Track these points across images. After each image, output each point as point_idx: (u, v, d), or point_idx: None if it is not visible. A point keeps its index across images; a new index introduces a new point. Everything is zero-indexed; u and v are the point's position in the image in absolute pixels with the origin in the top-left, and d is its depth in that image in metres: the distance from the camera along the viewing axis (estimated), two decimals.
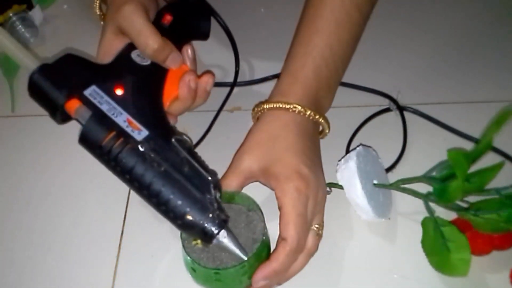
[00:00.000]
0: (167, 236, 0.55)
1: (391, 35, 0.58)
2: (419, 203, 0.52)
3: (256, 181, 0.52)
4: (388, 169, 0.58)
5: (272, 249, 0.49)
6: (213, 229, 0.45)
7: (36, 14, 0.77)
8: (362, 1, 0.55)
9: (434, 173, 0.52)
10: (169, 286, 0.53)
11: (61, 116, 0.49)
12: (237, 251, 0.46)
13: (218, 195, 0.47)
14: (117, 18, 0.52)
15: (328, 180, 0.54)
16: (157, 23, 0.55)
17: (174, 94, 0.54)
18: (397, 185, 0.54)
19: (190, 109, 0.56)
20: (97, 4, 0.61)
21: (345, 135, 0.60)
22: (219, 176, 0.50)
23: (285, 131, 0.51)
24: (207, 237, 0.45)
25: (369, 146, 0.58)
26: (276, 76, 0.66)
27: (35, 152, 0.63)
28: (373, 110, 0.63)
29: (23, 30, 0.74)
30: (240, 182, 0.51)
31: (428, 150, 0.58)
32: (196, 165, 0.47)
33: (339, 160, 0.55)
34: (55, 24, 0.77)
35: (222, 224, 0.46)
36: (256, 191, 0.52)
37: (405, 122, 0.61)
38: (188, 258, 0.47)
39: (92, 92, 0.49)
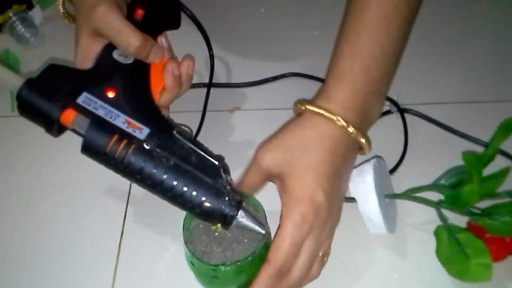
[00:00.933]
0: (167, 236, 0.55)
1: None
2: (427, 213, 0.52)
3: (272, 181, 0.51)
4: (390, 172, 0.57)
5: None
6: (231, 211, 0.46)
7: (36, 14, 0.77)
8: None
9: (442, 181, 0.51)
10: (169, 286, 0.53)
11: (57, 128, 0.48)
12: (256, 227, 0.47)
13: (229, 178, 0.48)
14: (92, 20, 0.51)
15: None
16: (130, 19, 0.54)
17: (161, 86, 0.53)
18: (408, 195, 0.52)
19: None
20: (60, 1, 0.59)
21: None
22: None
23: (318, 146, 0.47)
24: (227, 219, 0.46)
25: (380, 156, 0.56)
26: (253, 83, 0.66)
27: (35, 152, 0.63)
28: None
29: (23, 30, 0.74)
30: (262, 179, 0.50)
31: (430, 152, 0.58)
32: (202, 153, 0.48)
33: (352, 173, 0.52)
34: (55, 24, 0.77)
35: (239, 205, 0.47)
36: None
37: (406, 124, 0.61)
38: (188, 252, 0.47)
39: (85, 99, 0.48)
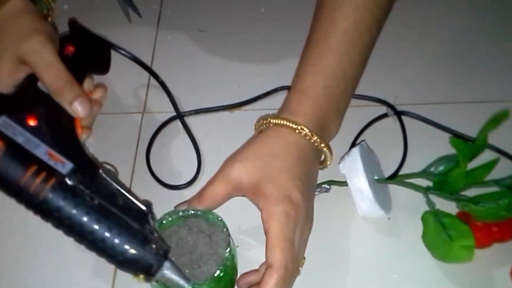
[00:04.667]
0: None
1: (385, 37, 0.57)
2: (417, 200, 0.53)
3: (242, 195, 0.50)
4: (390, 177, 0.57)
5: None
6: (157, 261, 0.42)
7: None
8: (372, 24, 0.54)
9: (432, 169, 0.53)
10: None
11: None
12: (181, 281, 0.43)
13: (156, 225, 0.45)
14: (22, 48, 0.49)
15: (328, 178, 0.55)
16: (60, 54, 0.51)
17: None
18: (398, 180, 0.54)
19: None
20: None
21: (343, 144, 0.59)
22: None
23: (286, 151, 0.49)
24: (152, 270, 0.43)
25: (371, 150, 0.58)
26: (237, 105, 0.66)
27: None
28: (370, 117, 0.62)
29: None
30: (227, 192, 0.49)
31: (430, 154, 0.57)
32: (129, 196, 0.44)
33: (342, 157, 0.55)
34: (55, 24, 0.77)
35: (166, 254, 0.43)
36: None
37: (404, 128, 0.60)
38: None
39: (3, 123, 0.44)
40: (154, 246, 0.43)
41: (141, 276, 0.43)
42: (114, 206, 0.43)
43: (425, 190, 0.52)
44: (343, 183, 0.54)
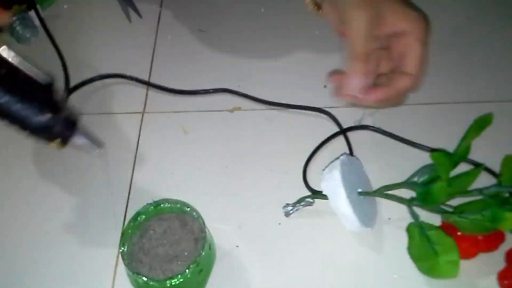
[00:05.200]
0: None
1: None
2: (403, 210, 0.52)
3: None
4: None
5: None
6: (69, 125, 0.46)
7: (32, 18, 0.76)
8: None
9: (415, 179, 0.51)
10: None
11: None
12: (93, 144, 0.48)
13: (60, 95, 0.47)
14: None
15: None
16: None
17: None
18: (381, 192, 0.53)
19: None
20: None
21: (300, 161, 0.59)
22: None
23: None
24: (65, 134, 0.46)
25: (352, 155, 0.58)
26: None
27: (35, 152, 0.63)
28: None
29: (23, 30, 0.74)
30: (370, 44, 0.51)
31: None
32: (27, 72, 0.45)
33: (323, 169, 0.54)
34: (55, 24, 0.77)
35: (75, 121, 0.47)
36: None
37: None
38: (133, 274, 0.47)
39: None
40: (64, 113, 0.46)
41: (56, 141, 0.46)
42: (16, 81, 0.45)
43: (409, 202, 0.51)
44: (324, 197, 0.53)
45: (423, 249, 0.48)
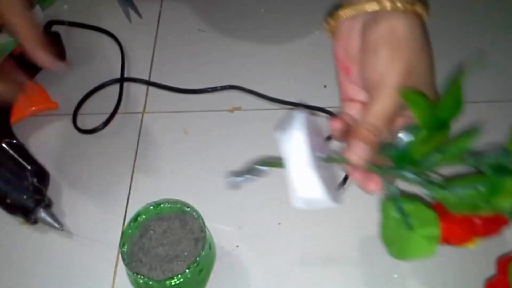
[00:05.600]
0: None
1: None
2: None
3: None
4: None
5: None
6: (31, 206, 0.54)
7: (36, 14, 0.76)
8: None
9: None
10: None
11: None
12: (55, 224, 0.55)
13: (35, 180, 0.56)
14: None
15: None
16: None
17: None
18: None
19: None
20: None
21: None
22: None
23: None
24: (27, 211, 0.54)
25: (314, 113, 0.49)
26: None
27: (36, 152, 0.63)
28: None
29: None
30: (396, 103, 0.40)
31: None
32: (20, 160, 0.57)
33: (276, 129, 0.43)
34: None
35: (38, 202, 0.55)
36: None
37: None
38: (133, 274, 0.47)
39: None
40: (25, 196, 0.55)
41: (23, 220, 0.56)
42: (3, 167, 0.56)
43: (381, 170, 0.40)
44: (279, 164, 0.41)
45: (397, 227, 0.39)
